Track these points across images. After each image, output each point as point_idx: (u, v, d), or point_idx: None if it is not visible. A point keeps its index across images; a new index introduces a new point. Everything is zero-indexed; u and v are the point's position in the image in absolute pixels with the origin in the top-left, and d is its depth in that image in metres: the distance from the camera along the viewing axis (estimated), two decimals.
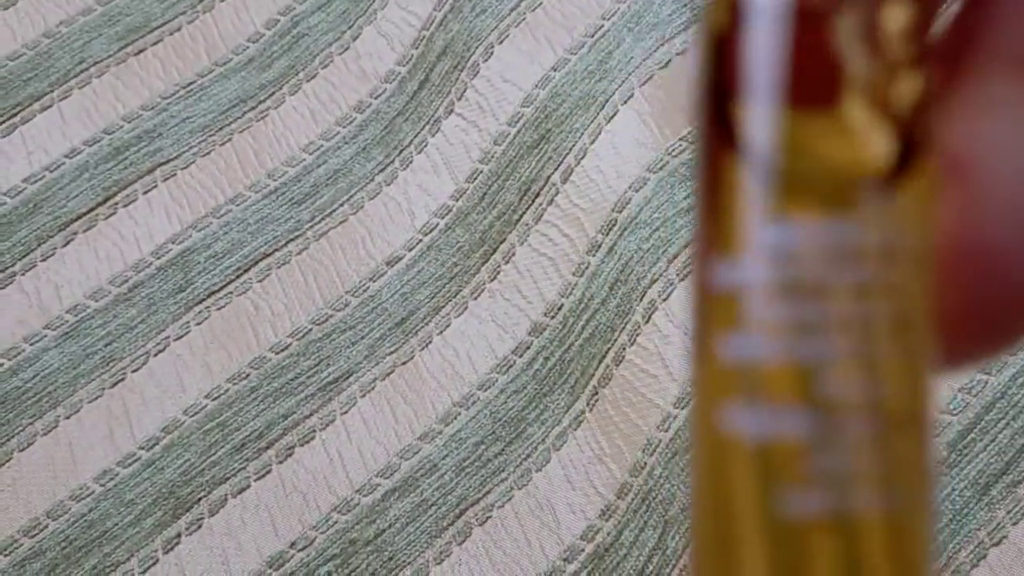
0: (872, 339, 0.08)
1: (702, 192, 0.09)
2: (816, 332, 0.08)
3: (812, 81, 0.08)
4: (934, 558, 0.09)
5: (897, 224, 0.08)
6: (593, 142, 0.35)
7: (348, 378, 0.34)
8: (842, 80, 0.08)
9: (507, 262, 0.35)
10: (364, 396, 0.33)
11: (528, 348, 0.34)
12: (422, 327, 0.35)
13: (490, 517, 0.31)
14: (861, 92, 0.09)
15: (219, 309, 0.35)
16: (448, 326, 0.35)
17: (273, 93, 0.40)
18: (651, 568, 0.29)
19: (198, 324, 0.35)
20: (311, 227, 0.37)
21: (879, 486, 0.09)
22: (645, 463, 0.30)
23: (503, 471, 0.32)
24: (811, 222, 0.08)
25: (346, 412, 0.33)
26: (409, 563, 0.30)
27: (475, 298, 0.35)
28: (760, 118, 0.09)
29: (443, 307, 0.35)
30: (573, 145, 0.35)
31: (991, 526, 0.29)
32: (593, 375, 0.32)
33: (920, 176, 0.09)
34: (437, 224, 0.37)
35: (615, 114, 0.35)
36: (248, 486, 0.32)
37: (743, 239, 0.09)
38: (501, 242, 0.36)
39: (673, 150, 0.34)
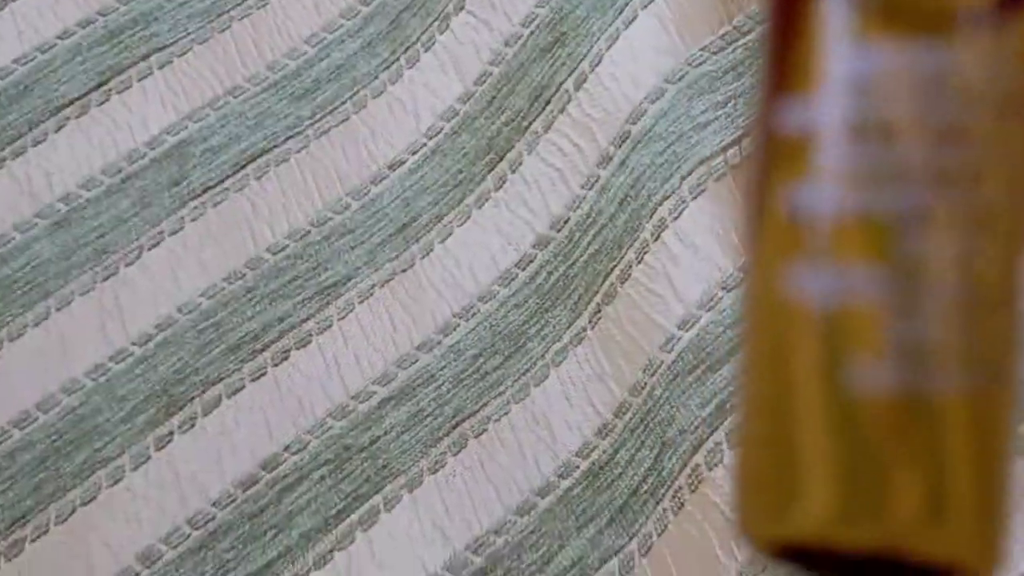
0: (965, 191, 0.07)
1: (771, 23, 0.08)
2: (901, 181, 0.07)
3: None
4: (1017, 447, 0.08)
5: (1001, 61, 0.07)
6: (610, 48, 0.33)
7: (346, 283, 0.33)
8: None
9: (514, 171, 0.34)
10: (362, 302, 0.33)
11: (532, 261, 0.33)
12: (423, 235, 0.34)
13: (486, 430, 0.31)
14: None
15: (215, 206, 0.34)
16: (450, 235, 0.34)
17: None
18: (645, 487, 0.29)
19: (193, 220, 0.34)
20: (311, 124, 0.36)
21: (963, 362, 0.07)
22: (645, 383, 0.30)
23: (501, 384, 0.31)
24: (901, 49, 0.07)
25: (343, 318, 0.33)
26: (403, 471, 0.30)
27: (479, 207, 0.34)
28: None
29: (446, 215, 0.34)
30: (588, 50, 0.33)
31: None
32: (597, 292, 0.32)
33: None
34: (443, 128, 0.35)
35: (634, 18, 0.33)
36: (243, 387, 0.31)
37: (820, 70, 0.07)
38: (508, 150, 0.34)
39: (694, 60, 0.32)
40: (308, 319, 0.32)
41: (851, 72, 0.07)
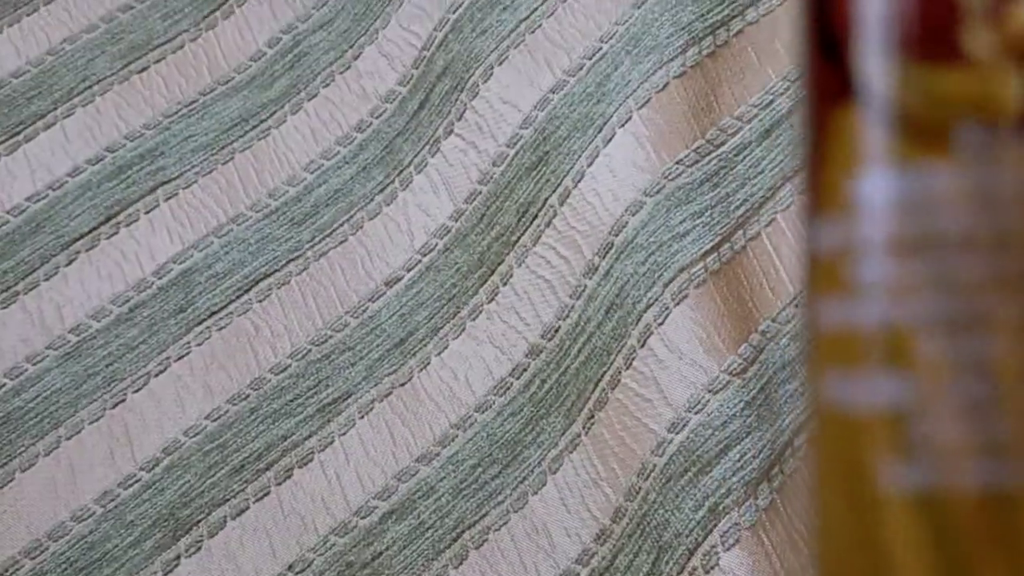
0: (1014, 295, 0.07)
1: (808, 148, 0.08)
2: (956, 289, 0.07)
3: (937, 19, 0.08)
4: None
5: None
6: (590, 165, 0.35)
7: (347, 399, 0.34)
8: (969, 17, 0.08)
9: (505, 284, 0.36)
10: (362, 417, 0.34)
11: (525, 370, 0.34)
12: (420, 348, 0.35)
13: (487, 540, 0.31)
14: (989, 30, 0.08)
15: (219, 330, 0.36)
16: (446, 347, 0.35)
17: (274, 112, 0.40)
18: None
19: (199, 344, 0.35)
20: (311, 247, 0.37)
21: None
22: (640, 487, 0.30)
23: (500, 494, 0.32)
24: (942, 167, 0.07)
25: (344, 434, 0.33)
26: None
27: (473, 319, 0.35)
28: (881, 59, 0.08)
29: (441, 328, 0.35)
30: (571, 167, 0.35)
31: None
32: (589, 398, 0.33)
33: None
34: (436, 245, 0.37)
35: (612, 137, 0.35)
36: (247, 508, 0.32)
37: (859, 190, 0.07)
38: (499, 264, 0.36)
39: (669, 173, 0.34)
40: (310, 436, 0.33)
41: (893, 190, 0.08)
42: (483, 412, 0.33)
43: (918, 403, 0.08)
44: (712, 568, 0.28)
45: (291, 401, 0.34)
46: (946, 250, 0.08)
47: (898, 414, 0.08)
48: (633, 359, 0.32)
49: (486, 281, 0.36)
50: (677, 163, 0.34)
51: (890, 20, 0.08)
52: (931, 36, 0.08)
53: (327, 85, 0.41)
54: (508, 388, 0.34)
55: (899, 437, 0.08)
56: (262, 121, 0.40)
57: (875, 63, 0.08)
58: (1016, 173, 0.08)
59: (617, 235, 0.33)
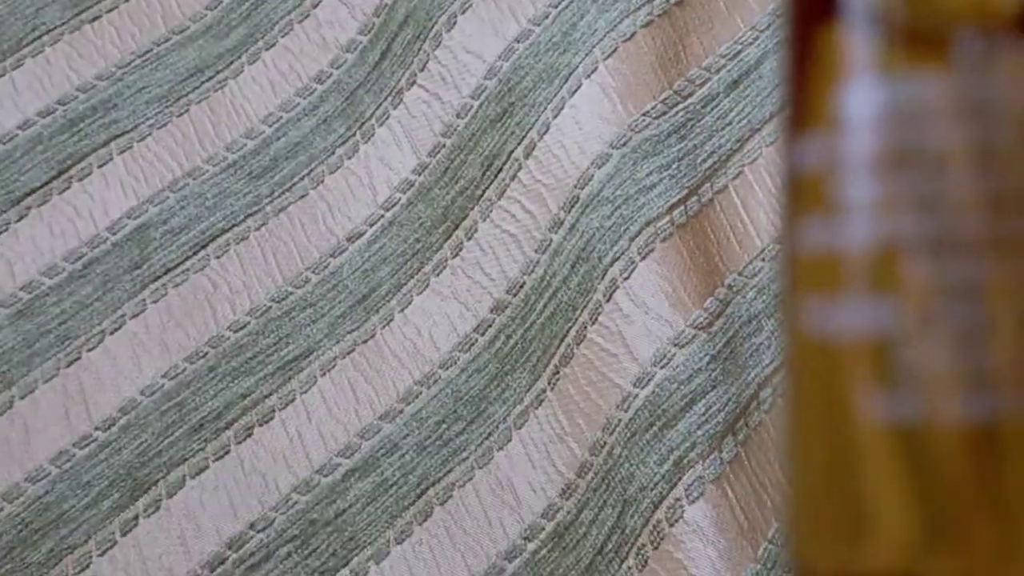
0: (1018, 217, 0.07)
1: (789, 58, 0.08)
2: (950, 208, 0.07)
3: None
4: None
5: None
6: (556, 116, 0.34)
7: (308, 357, 0.33)
8: None
9: (469, 238, 0.35)
10: (324, 375, 0.33)
11: (490, 326, 0.34)
12: (383, 304, 0.34)
13: (451, 496, 0.31)
14: None
15: (176, 287, 0.35)
16: (410, 303, 0.34)
17: (231, 63, 0.39)
18: (610, 546, 0.29)
19: (154, 302, 0.34)
20: (270, 202, 0.36)
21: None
22: (605, 442, 0.30)
23: (464, 450, 0.32)
24: (933, 77, 0.07)
25: (306, 392, 0.33)
26: (369, 543, 0.30)
27: (437, 275, 0.35)
28: None
29: (405, 284, 0.35)
30: (536, 119, 0.34)
31: None
32: (554, 354, 0.32)
33: None
34: (399, 199, 0.36)
35: (578, 88, 0.34)
36: (207, 467, 0.32)
37: (846, 102, 0.07)
38: (463, 218, 0.35)
39: (636, 125, 0.33)
40: (270, 395, 0.33)
41: (881, 102, 0.07)
42: (447, 369, 0.33)
43: (903, 329, 0.08)
44: (676, 521, 0.28)
45: (251, 359, 0.33)
46: (934, 166, 0.07)
47: (882, 341, 0.08)
48: (599, 314, 0.31)
49: (450, 236, 0.35)
50: (644, 115, 0.33)
51: None
52: None
53: (285, 34, 0.39)
54: (473, 344, 0.33)
55: (882, 366, 0.08)
56: (218, 72, 0.39)
57: None
58: (1010, 82, 0.07)
59: (583, 188, 0.33)
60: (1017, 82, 0.07)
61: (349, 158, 0.37)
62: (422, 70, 0.37)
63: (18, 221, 0.36)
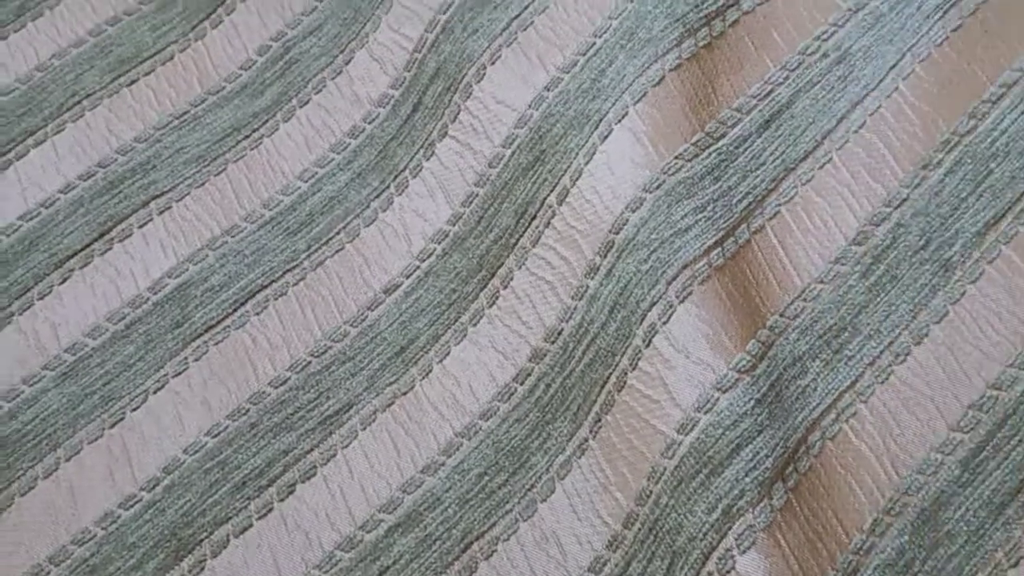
0: None
1: None
2: None
3: None
4: None
5: None
6: (588, 162, 0.34)
7: (348, 411, 0.33)
8: None
9: (505, 287, 0.35)
10: (365, 429, 0.33)
11: (529, 375, 0.33)
12: (422, 356, 0.34)
13: (495, 551, 0.31)
14: None
15: (216, 344, 0.35)
16: (448, 354, 0.34)
17: (267, 120, 0.40)
18: None
19: (196, 360, 0.35)
20: (307, 257, 0.37)
21: None
22: (651, 491, 0.30)
23: (507, 502, 0.31)
24: None
25: (347, 446, 0.33)
26: None
27: (474, 325, 0.35)
28: None
29: (442, 335, 0.35)
30: (568, 166, 0.34)
31: (1008, 546, 0.28)
32: (595, 401, 0.32)
33: None
34: (434, 250, 0.36)
35: (609, 133, 0.34)
36: (250, 525, 0.31)
37: None
38: (499, 266, 0.35)
39: (669, 168, 0.33)
40: (312, 450, 0.33)
41: None
42: (488, 419, 0.33)
43: None
44: (728, 572, 0.27)
45: (292, 415, 0.33)
46: None
47: None
48: (639, 359, 0.31)
49: (486, 285, 0.35)
50: (676, 157, 0.33)
51: None
52: None
53: (319, 91, 0.40)
54: (512, 394, 0.33)
55: None
56: (254, 130, 0.40)
57: None
58: None
59: (618, 233, 0.33)
60: None
61: (384, 211, 0.37)
62: (453, 121, 0.37)
63: (61, 283, 0.37)
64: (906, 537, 0.28)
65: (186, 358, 0.35)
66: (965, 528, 0.28)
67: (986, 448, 0.29)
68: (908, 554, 0.28)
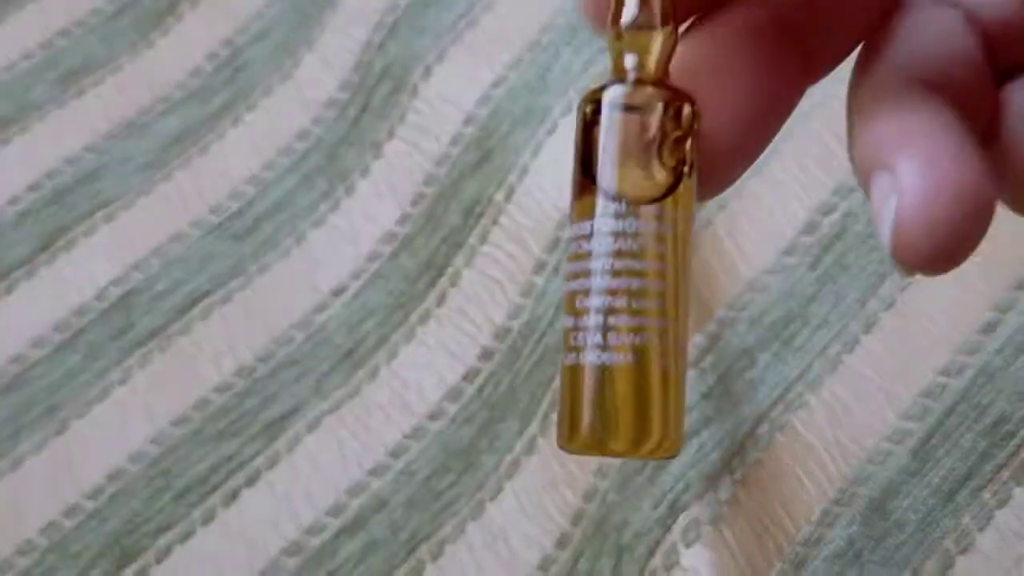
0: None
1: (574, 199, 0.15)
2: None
3: (637, 149, 0.14)
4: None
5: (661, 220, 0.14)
6: (534, 158, 0.34)
7: (294, 415, 0.33)
8: (652, 150, 0.14)
9: (454, 286, 0.34)
10: (311, 433, 0.33)
11: (478, 374, 0.33)
12: (369, 358, 0.34)
13: (443, 552, 0.30)
14: (660, 156, 0.14)
15: (161, 351, 0.34)
16: (396, 356, 0.34)
17: (214, 126, 0.40)
18: None
19: (141, 367, 0.34)
20: (254, 261, 0.36)
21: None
22: (598, 487, 0.29)
23: (456, 504, 0.31)
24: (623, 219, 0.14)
25: (292, 450, 0.32)
26: None
27: (423, 325, 0.34)
28: (606, 170, 0.15)
29: (391, 336, 0.34)
30: (515, 163, 0.34)
31: (956, 533, 0.28)
32: (543, 399, 0.31)
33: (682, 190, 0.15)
34: (383, 251, 0.36)
35: (555, 128, 0.34)
36: (194, 532, 0.31)
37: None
38: (447, 266, 0.35)
39: None
40: (257, 455, 0.32)
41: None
42: (436, 420, 0.32)
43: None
44: (673, 566, 0.27)
45: (236, 420, 0.33)
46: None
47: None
48: None
49: (435, 284, 0.35)
50: None
51: (613, 144, 0.15)
52: (633, 158, 0.15)
53: (267, 96, 0.40)
54: (461, 393, 0.33)
55: None
56: (202, 137, 0.39)
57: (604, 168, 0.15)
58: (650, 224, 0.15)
59: (564, 229, 0.32)
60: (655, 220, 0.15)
61: (332, 213, 0.37)
62: (401, 122, 0.37)
63: (7, 294, 0.36)
64: (855, 527, 0.28)
65: (131, 366, 0.34)
66: (914, 516, 0.28)
67: (935, 436, 0.29)
68: (857, 544, 0.28)
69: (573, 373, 0.14)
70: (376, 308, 0.35)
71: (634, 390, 0.14)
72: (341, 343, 0.34)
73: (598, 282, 0.14)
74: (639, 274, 0.14)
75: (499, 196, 0.34)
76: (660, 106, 0.14)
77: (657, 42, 0.14)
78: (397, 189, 0.36)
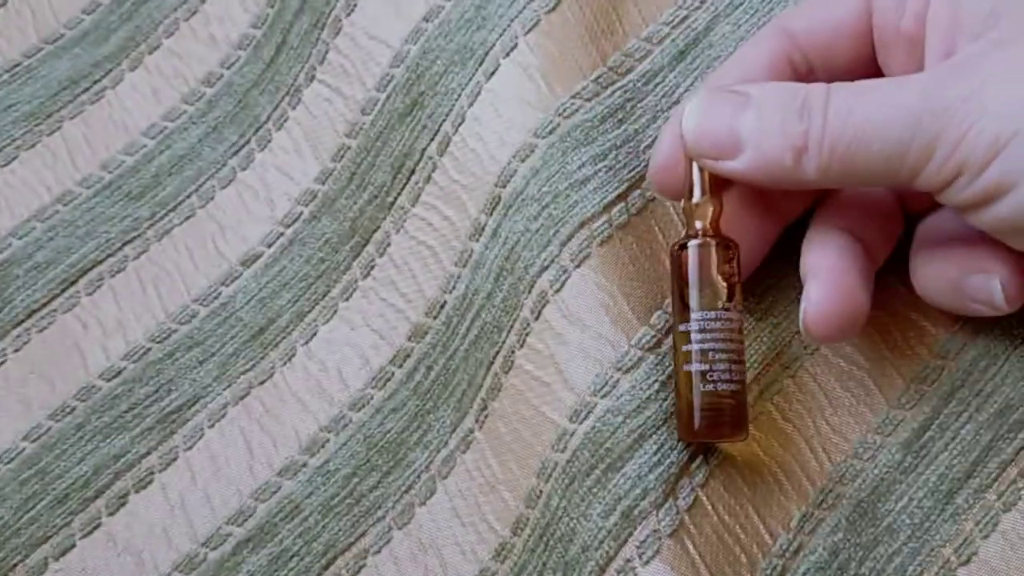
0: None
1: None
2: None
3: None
4: None
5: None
6: (472, 104, 0.29)
7: (194, 405, 0.28)
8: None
9: (382, 254, 0.30)
10: (213, 426, 0.28)
11: (408, 356, 0.28)
12: (283, 338, 0.29)
13: (364, 565, 0.26)
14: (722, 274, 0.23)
15: (40, 331, 0.30)
16: (314, 335, 0.29)
17: (110, 70, 0.34)
18: None
19: (16, 351, 0.29)
20: (151, 225, 0.31)
21: None
22: (541, 491, 0.25)
23: (380, 508, 0.27)
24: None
25: (191, 447, 0.28)
26: None
27: (346, 299, 0.30)
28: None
29: (308, 312, 0.30)
30: (450, 109, 0.29)
31: (957, 541, 0.24)
32: (481, 386, 0.27)
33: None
34: (301, 213, 0.31)
35: (496, 69, 0.29)
36: (73, 545, 0.27)
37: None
38: (374, 230, 0.30)
39: (565, 110, 0.28)
40: (149, 453, 0.28)
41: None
42: (359, 410, 0.28)
43: None
44: None
45: (126, 412, 0.28)
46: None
47: None
48: (527, 335, 0.26)
49: (360, 252, 0.30)
50: (574, 97, 0.28)
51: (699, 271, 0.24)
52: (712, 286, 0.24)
53: (171, 35, 0.35)
54: (389, 379, 0.28)
55: None
56: (95, 82, 0.34)
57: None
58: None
59: (504, 186, 0.28)
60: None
61: (243, 169, 0.32)
62: (321, 63, 0.32)
63: None
64: (840, 534, 0.24)
65: (3, 350, 0.29)
66: (908, 521, 0.24)
67: (931, 427, 0.25)
68: (843, 554, 0.24)
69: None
70: (292, 280, 0.30)
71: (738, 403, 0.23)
72: (250, 320, 0.29)
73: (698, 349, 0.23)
74: (730, 341, 0.23)
75: (432, 148, 0.30)
76: (717, 248, 0.24)
77: (712, 210, 0.24)
78: (317, 141, 0.32)
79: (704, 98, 0.23)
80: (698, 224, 0.24)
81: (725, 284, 0.23)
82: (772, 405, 0.25)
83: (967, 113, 0.21)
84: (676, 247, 0.24)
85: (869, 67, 0.25)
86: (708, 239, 0.24)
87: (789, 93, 0.22)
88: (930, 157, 0.21)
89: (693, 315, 0.23)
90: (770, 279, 0.27)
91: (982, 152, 0.21)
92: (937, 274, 0.24)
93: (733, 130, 0.23)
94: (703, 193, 0.24)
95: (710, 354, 0.23)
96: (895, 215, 0.25)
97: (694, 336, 0.23)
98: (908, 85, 0.22)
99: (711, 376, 0.23)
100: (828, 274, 0.23)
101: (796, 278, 0.27)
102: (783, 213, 0.26)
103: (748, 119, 0.23)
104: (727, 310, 0.23)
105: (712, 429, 0.23)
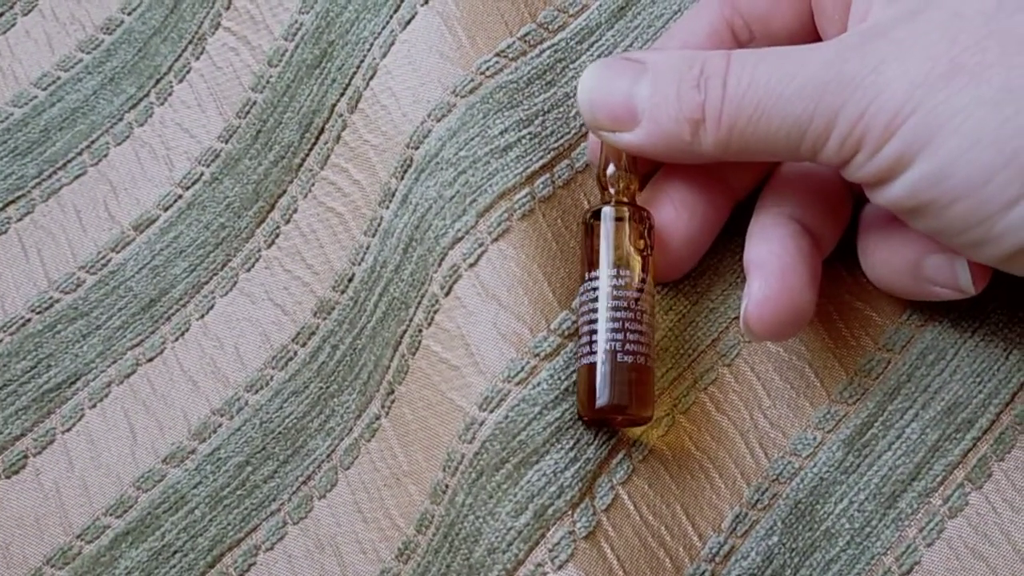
0: None
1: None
2: None
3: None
4: None
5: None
6: (385, 55, 0.26)
7: (75, 383, 0.26)
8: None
9: (287, 221, 0.27)
10: (94, 406, 0.25)
11: (313, 334, 0.26)
12: (177, 310, 0.27)
13: (254, 563, 0.24)
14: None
15: None
16: (211, 308, 0.27)
17: (1, 14, 0.31)
18: None
19: None
20: (37, 184, 0.28)
21: None
22: (447, 485, 0.23)
23: (274, 500, 0.24)
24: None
25: (69, 429, 0.25)
26: None
27: (247, 270, 0.27)
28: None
29: (205, 283, 0.27)
30: (361, 61, 0.27)
31: (900, 549, 0.22)
32: (388, 368, 0.25)
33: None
34: (201, 174, 0.28)
35: (412, 17, 0.26)
36: None
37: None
38: (280, 195, 0.27)
39: (487, 68, 0.25)
40: (23, 436, 0.25)
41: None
42: (257, 392, 0.25)
43: None
44: None
45: None
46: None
47: None
48: (435, 312, 0.24)
49: (264, 219, 0.27)
50: (498, 55, 0.26)
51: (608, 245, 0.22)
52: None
53: None
54: (291, 359, 0.26)
55: None
56: None
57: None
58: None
59: (417, 148, 0.25)
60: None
61: (140, 125, 0.29)
62: (227, 8, 0.29)
63: None
64: (775, 538, 0.22)
65: None
66: (848, 526, 0.22)
67: (875, 424, 0.23)
68: (777, 559, 0.22)
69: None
70: (189, 247, 0.27)
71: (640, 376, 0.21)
72: (141, 291, 0.27)
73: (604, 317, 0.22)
74: (631, 311, 0.22)
75: (342, 104, 0.27)
76: (631, 219, 0.22)
77: (628, 178, 0.23)
78: (221, 95, 0.29)
79: (600, 66, 0.22)
80: (612, 192, 0.22)
81: (639, 256, 0.22)
82: (706, 395, 0.23)
83: (868, 86, 0.19)
84: (588, 215, 0.22)
85: (810, 34, 0.23)
86: (622, 207, 0.22)
87: (686, 61, 0.21)
88: (831, 132, 0.20)
89: (601, 286, 0.21)
90: (707, 259, 0.24)
91: (880, 129, 0.19)
92: (892, 257, 0.22)
93: (629, 101, 0.21)
94: (619, 160, 0.22)
95: (616, 326, 0.21)
96: (844, 197, 0.23)
97: (601, 307, 0.21)
98: (813, 53, 0.20)
99: (616, 348, 0.21)
100: (772, 269, 0.21)
101: (736, 259, 0.24)
102: (735, 189, 0.23)
103: (643, 89, 0.21)
104: (641, 284, 0.22)
105: (614, 407, 0.21)
